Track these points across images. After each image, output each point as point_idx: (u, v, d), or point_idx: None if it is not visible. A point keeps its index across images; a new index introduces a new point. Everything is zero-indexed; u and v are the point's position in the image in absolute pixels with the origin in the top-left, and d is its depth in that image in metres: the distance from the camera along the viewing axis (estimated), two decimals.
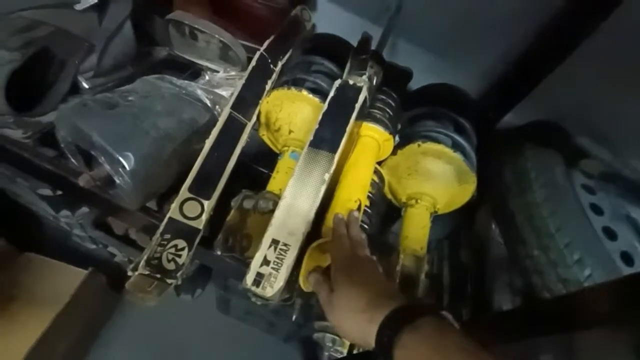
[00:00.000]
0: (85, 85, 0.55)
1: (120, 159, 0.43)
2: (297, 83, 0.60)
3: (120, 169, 0.44)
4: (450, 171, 0.58)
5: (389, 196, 0.66)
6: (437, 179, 0.58)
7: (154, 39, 0.75)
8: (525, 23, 0.69)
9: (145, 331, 1.16)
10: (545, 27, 0.69)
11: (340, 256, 0.38)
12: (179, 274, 0.42)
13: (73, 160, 0.51)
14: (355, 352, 0.68)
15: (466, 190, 0.59)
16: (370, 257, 0.40)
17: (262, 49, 0.67)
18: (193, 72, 0.77)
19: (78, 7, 0.51)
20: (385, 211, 0.70)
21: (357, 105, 0.52)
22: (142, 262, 0.40)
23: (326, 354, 0.60)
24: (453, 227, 0.95)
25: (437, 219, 0.66)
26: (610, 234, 0.53)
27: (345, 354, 0.64)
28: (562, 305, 0.35)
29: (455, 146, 0.58)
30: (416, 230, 0.56)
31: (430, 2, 0.75)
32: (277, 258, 0.42)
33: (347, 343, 1.10)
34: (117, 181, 0.45)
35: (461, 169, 0.57)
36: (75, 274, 0.96)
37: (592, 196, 0.57)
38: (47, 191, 0.85)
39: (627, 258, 0.51)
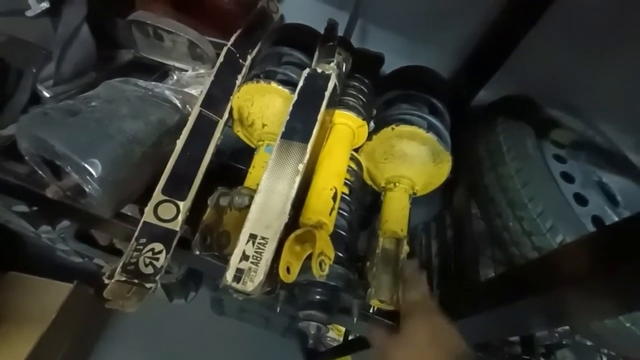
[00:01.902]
0: (46, 94, 0.53)
1: (87, 166, 0.42)
2: (267, 76, 0.60)
3: (88, 177, 0.43)
4: (425, 152, 0.58)
5: (369, 182, 0.67)
6: (413, 160, 0.59)
7: (116, 41, 0.73)
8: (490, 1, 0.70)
9: (141, 339, 1.16)
10: (507, 2, 0.70)
11: (419, 298, 0.40)
12: (157, 277, 0.42)
13: (40, 172, 0.49)
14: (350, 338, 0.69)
15: (442, 170, 0.60)
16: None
17: (229, 43, 0.66)
18: (162, 73, 0.76)
19: (29, 13, 0.49)
20: (372, 199, 0.70)
21: (327, 94, 0.52)
22: (118, 269, 0.39)
23: (311, 341, 0.60)
24: (439, 209, 0.96)
25: (423, 202, 0.67)
26: (581, 200, 0.54)
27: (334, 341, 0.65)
28: (538, 267, 0.36)
29: (429, 127, 0.59)
30: (395, 213, 0.57)
31: None
32: (256, 252, 0.42)
33: (340, 329, 1.11)
34: (87, 189, 0.44)
35: (436, 149, 0.57)
36: (60, 289, 0.94)
37: (563, 165, 0.58)
38: (23, 207, 0.82)
39: (598, 222, 0.53)
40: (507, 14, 0.70)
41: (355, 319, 0.48)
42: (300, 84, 0.53)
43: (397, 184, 0.60)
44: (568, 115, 0.72)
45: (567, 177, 0.56)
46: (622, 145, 0.76)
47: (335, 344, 1.20)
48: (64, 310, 0.89)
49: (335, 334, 1.17)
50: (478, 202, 0.60)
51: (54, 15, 0.52)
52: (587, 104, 0.77)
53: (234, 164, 0.67)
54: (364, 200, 0.67)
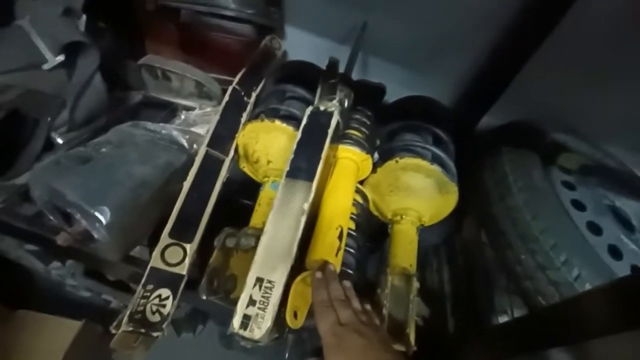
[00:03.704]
0: (60, 141, 0.55)
1: (96, 213, 0.43)
2: (270, 114, 0.61)
3: (96, 224, 0.44)
4: (431, 183, 0.58)
5: (376, 213, 0.66)
6: (419, 192, 0.59)
7: (127, 83, 0.76)
8: (489, 28, 0.71)
9: None
10: (508, 28, 0.71)
11: (327, 330, 0.35)
12: (164, 325, 0.41)
13: (51, 217, 0.50)
14: None
15: (449, 201, 0.59)
16: (359, 315, 0.37)
17: (234, 83, 0.68)
18: (170, 110, 0.78)
19: (46, 66, 0.52)
20: (378, 228, 0.69)
21: (330, 131, 0.53)
22: (125, 319, 0.39)
23: None
24: (448, 231, 0.94)
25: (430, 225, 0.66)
26: (595, 229, 0.53)
27: None
28: (561, 314, 0.34)
29: (433, 158, 0.59)
30: (404, 247, 0.56)
31: (395, 19, 0.77)
32: (263, 297, 0.41)
33: None
34: (95, 236, 0.45)
35: (441, 181, 0.57)
36: (69, 327, 0.93)
37: (573, 192, 0.57)
38: (34, 246, 0.84)
39: (614, 252, 0.51)
40: (507, 41, 0.71)
41: None
42: (304, 122, 0.54)
43: (404, 216, 0.59)
44: (575, 139, 0.71)
45: (579, 205, 0.55)
46: (632, 165, 0.74)
47: None
48: (72, 348, 0.88)
49: None
50: (488, 233, 0.58)
51: (69, 66, 0.55)
52: (593, 126, 0.76)
53: (240, 200, 0.67)
54: (371, 230, 0.66)
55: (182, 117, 0.67)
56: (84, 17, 0.57)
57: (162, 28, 0.76)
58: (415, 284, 0.50)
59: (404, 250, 0.55)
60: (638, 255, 0.51)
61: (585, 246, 0.48)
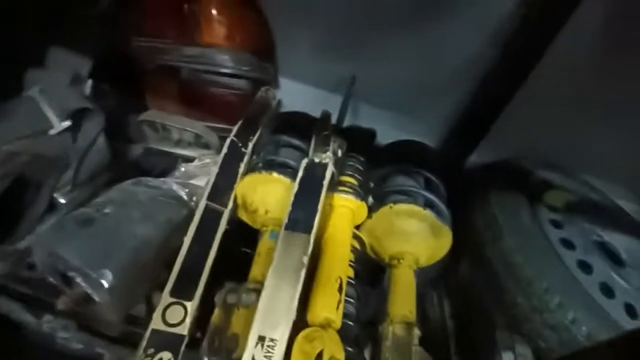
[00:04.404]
0: (62, 201, 0.56)
1: (98, 278, 0.44)
2: (267, 165, 0.64)
3: (98, 287, 0.44)
4: (425, 227, 0.60)
5: (374, 257, 0.67)
6: (414, 236, 0.60)
7: (129, 138, 0.79)
8: (471, 71, 0.77)
9: None
10: (488, 71, 0.76)
11: None
12: None
13: (52, 280, 0.50)
14: None
15: (444, 242, 0.61)
16: None
17: (231, 134, 0.71)
18: (171, 159, 0.81)
19: (52, 132, 0.54)
20: (376, 267, 0.70)
21: (325, 182, 0.55)
22: None
23: None
24: (446, 264, 0.95)
25: None
26: (586, 267, 0.54)
27: None
28: None
29: (426, 203, 0.61)
30: (403, 292, 0.56)
31: (381, 69, 0.83)
32: (265, 357, 0.41)
33: None
34: (97, 299, 0.45)
35: (435, 225, 0.59)
36: None
37: (561, 231, 0.59)
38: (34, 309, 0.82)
39: (606, 289, 0.52)
40: (489, 83, 0.76)
41: None
42: (300, 174, 0.57)
43: (400, 260, 0.61)
44: (560, 175, 0.74)
45: (568, 244, 0.57)
46: (618, 198, 0.77)
47: None
48: None
49: None
50: (483, 274, 0.60)
51: (74, 130, 0.57)
52: (577, 161, 0.80)
53: (240, 248, 0.68)
54: (369, 270, 0.67)
55: (182, 169, 0.70)
56: (90, 81, 0.61)
57: (162, 85, 0.81)
58: (417, 333, 0.50)
59: (404, 297, 0.55)
60: (629, 292, 0.53)
61: (578, 287, 0.49)
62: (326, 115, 0.67)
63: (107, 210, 0.51)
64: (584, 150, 0.81)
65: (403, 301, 0.55)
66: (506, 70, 0.74)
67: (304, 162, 0.59)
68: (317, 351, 0.43)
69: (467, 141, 0.83)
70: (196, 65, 0.76)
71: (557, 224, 0.60)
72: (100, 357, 1.13)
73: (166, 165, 0.78)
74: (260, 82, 0.84)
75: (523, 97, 0.73)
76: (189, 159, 0.77)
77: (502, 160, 0.76)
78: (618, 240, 0.65)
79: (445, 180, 0.70)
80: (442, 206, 0.62)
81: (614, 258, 0.61)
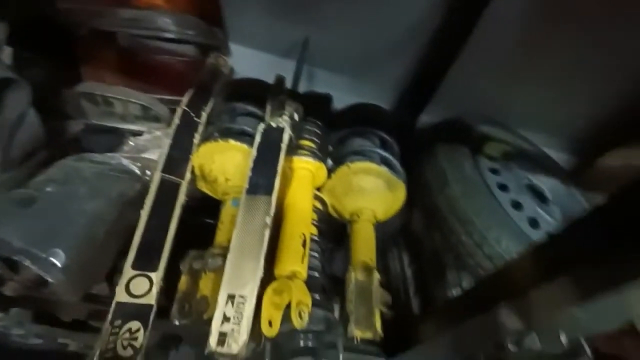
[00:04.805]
0: None
1: (49, 258, 0.41)
2: (223, 133, 0.62)
3: (51, 268, 0.42)
4: (381, 183, 0.64)
5: (335, 215, 0.71)
6: (371, 192, 0.64)
7: (65, 113, 0.72)
8: (418, 36, 0.79)
9: None
10: (433, 34, 0.79)
11: None
12: (139, 357, 0.41)
13: None
14: None
15: (399, 196, 0.65)
16: None
17: (183, 104, 0.68)
18: (116, 136, 0.75)
19: None
20: (339, 228, 0.74)
21: (283, 145, 0.56)
22: (96, 359, 0.39)
23: None
24: (403, 221, 1.02)
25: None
26: (517, 205, 0.62)
27: None
28: (500, 277, 0.41)
29: (381, 160, 0.65)
30: (363, 243, 0.61)
31: (334, 32, 0.82)
32: (236, 312, 0.43)
33: None
34: (50, 280, 0.43)
35: (390, 180, 0.63)
36: None
37: (498, 176, 0.67)
38: None
39: (533, 222, 0.61)
40: (432, 48, 0.80)
41: (340, 355, 0.50)
42: (257, 139, 0.57)
43: (360, 215, 0.64)
44: (498, 129, 0.82)
45: (503, 187, 0.64)
46: (545, 146, 0.87)
47: None
48: None
49: None
50: (433, 220, 0.66)
51: None
52: (512, 116, 0.88)
53: (203, 219, 0.68)
54: (333, 230, 0.71)
55: (131, 143, 0.66)
56: (9, 49, 0.54)
57: (98, 53, 0.73)
58: (376, 276, 0.54)
59: (364, 246, 0.60)
60: (551, 224, 0.62)
61: (510, 222, 0.56)
62: (280, 80, 0.66)
63: (49, 189, 0.48)
64: (518, 106, 0.90)
65: (363, 250, 0.59)
66: (449, 32, 0.77)
67: (261, 126, 0.58)
68: (286, 302, 0.46)
69: (417, 102, 0.88)
70: (135, 30, 0.70)
71: (494, 171, 0.67)
72: (64, 347, 1.09)
73: (113, 142, 0.73)
74: (209, 48, 0.80)
75: (465, 60, 0.78)
76: (138, 134, 0.73)
77: (449, 118, 0.82)
78: (544, 182, 0.75)
79: (399, 139, 0.75)
80: (396, 163, 0.66)
81: (540, 197, 0.70)
